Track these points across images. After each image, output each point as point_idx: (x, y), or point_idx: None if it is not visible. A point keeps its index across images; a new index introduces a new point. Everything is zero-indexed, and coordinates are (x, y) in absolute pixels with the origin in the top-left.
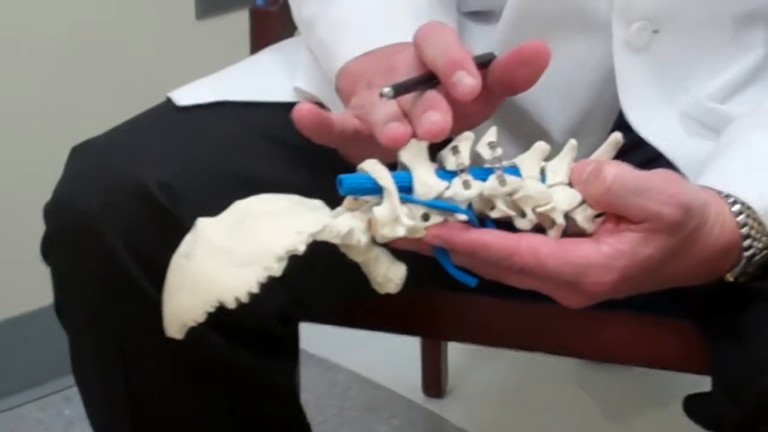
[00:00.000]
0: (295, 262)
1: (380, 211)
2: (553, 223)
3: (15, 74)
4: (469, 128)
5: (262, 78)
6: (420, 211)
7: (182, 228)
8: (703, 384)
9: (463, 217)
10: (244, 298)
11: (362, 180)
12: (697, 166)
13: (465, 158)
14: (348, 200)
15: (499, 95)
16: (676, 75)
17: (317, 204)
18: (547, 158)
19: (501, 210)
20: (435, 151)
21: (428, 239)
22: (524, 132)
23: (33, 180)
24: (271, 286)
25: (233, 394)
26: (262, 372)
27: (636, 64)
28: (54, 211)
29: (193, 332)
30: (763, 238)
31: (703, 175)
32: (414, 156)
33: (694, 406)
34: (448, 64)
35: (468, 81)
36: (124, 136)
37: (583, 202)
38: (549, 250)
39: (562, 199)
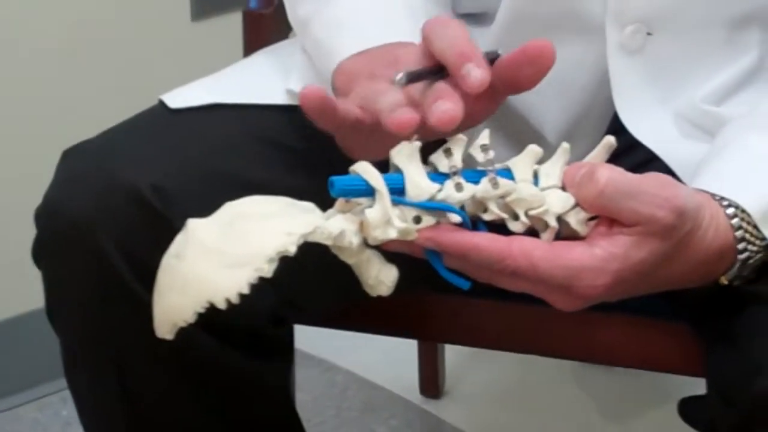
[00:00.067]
0: (287, 263)
1: (372, 213)
2: (546, 226)
3: (7, 75)
4: (472, 125)
5: (255, 80)
6: (412, 213)
7: (175, 231)
8: (701, 384)
9: (455, 218)
10: (235, 299)
11: (354, 182)
12: (691, 168)
13: (457, 161)
14: (340, 202)
15: (502, 93)
16: (671, 77)
17: (309, 206)
18: (540, 161)
19: (493, 213)
20: (427, 153)
21: (420, 241)
22: (519, 134)
23: (30, 181)
24: (261, 287)
25: (226, 396)
26: (254, 373)
27: (630, 66)
28: (45, 215)
29: (185, 334)
30: (758, 242)
31: (698, 178)
32: (406, 158)
33: (688, 409)
34: (457, 55)
35: (477, 73)
36: (116, 139)
37: (576, 205)
38: (541, 253)
39: (555, 202)
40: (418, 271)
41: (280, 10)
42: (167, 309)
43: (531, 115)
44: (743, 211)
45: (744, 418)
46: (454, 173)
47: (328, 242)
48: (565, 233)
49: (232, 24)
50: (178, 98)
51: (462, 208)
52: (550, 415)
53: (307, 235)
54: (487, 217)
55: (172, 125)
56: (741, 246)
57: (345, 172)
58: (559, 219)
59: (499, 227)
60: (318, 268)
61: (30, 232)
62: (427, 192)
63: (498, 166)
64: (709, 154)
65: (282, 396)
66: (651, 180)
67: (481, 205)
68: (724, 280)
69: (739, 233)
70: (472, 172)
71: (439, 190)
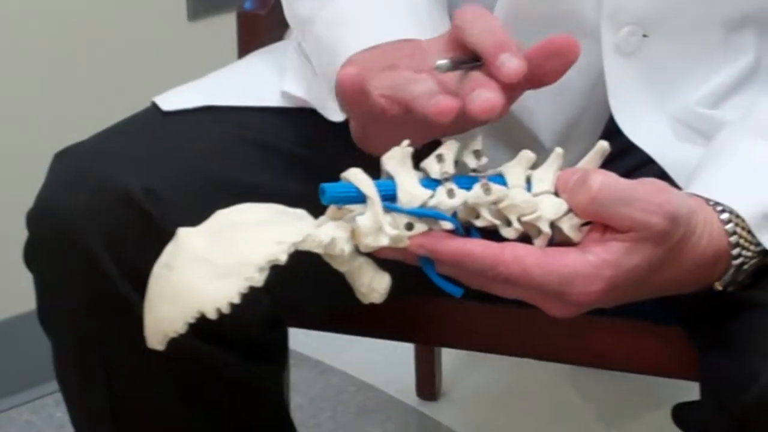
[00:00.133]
0: (281, 269)
1: (363, 221)
2: (539, 232)
3: (0, 75)
4: (479, 124)
5: (249, 82)
6: (404, 220)
7: (167, 234)
8: (697, 388)
9: (448, 225)
10: (226, 309)
11: (345, 189)
12: (687, 171)
13: (449, 167)
14: (332, 209)
15: (521, 88)
16: (666, 79)
17: (300, 213)
18: (533, 166)
19: (486, 219)
20: (419, 159)
21: (412, 248)
22: (514, 137)
23: (24, 182)
24: (256, 294)
25: (218, 400)
26: (246, 377)
27: (626, 68)
28: (36, 218)
29: (177, 339)
30: (752, 247)
31: (693, 183)
32: (398, 164)
33: (682, 414)
34: (493, 45)
35: (514, 63)
36: (108, 141)
37: (569, 210)
38: (534, 259)
39: (548, 208)
40: (411, 277)
41: (275, 11)
42: (158, 320)
43: (527, 118)
44: (737, 216)
45: (738, 424)
46: (446, 179)
47: (318, 250)
48: (558, 239)
49: (229, 24)
50: (171, 100)
51: (454, 214)
52: (546, 418)
53: (297, 243)
54: (479, 223)
55: (165, 128)
56: (735, 251)
57: (341, 174)
58: (552, 225)
59: (491, 233)
60: (312, 273)
61: (23, 233)
62: (418, 198)
63: (490, 171)
64: (704, 158)
65: (275, 400)
66: (644, 186)
67: (474, 211)
68: (718, 286)
69: (733, 239)
70: (464, 178)
71: (431, 197)
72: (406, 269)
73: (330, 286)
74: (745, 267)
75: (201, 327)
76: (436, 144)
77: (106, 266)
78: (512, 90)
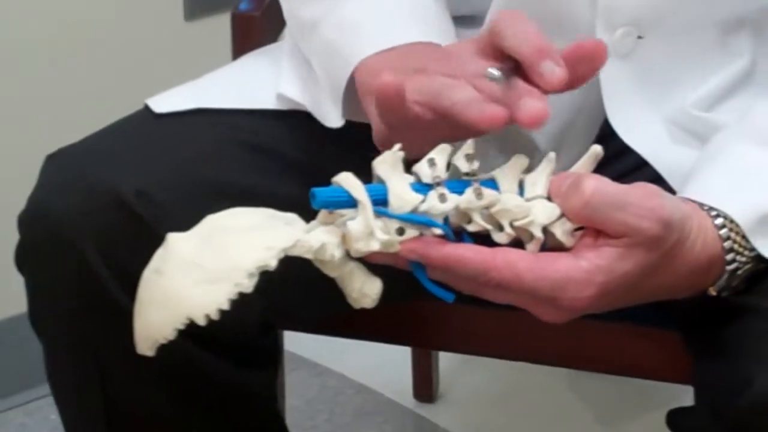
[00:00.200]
0: (273, 274)
1: (354, 226)
2: (531, 237)
3: None
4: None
5: (243, 84)
6: (395, 225)
7: (159, 237)
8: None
9: (439, 230)
10: (215, 315)
11: (336, 193)
12: (681, 174)
13: (441, 171)
14: (323, 214)
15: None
16: (662, 82)
17: (291, 217)
18: (526, 171)
19: (478, 224)
20: (410, 163)
21: (403, 253)
22: (509, 140)
23: (15, 184)
24: (250, 298)
25: (211, 405)
26: (239, 382)
27: (620, 70)
28: (28, 220)
29: (171, 343)
30: (747, 252)
31: (687, 187)
32: (389, 168)
33: (677, 420)
34: (535, 52)
35: (557, 71)
36: (100, 143)
37: (562, 215)
38: (526, 264)
39: (541, 213)
40: (403, 282)
41: (270, 13)
42: (147, 325)
43: None
44: (732, 221)
45: (732, 429)
46: (438, 184)
47: (308, 256)
48: (550, 244)
49: (226, 24)
50: (164, 103)
51: (446, 219)
52: (544, 420)
53: (287, 249)
54: (471, 228)
55: (158, 130)
56: (729, 257)
57: (332, 178)
58: (545, 230)
59: (484, 238)
60: (304, 278)
61: (15, 236)
62: (410, 203)
63: (482, 176)
64: (698, 162)
65: (268, 405)
66: (637, 190)
67: (466, 216)
68: (712, 291)
69: (727, 244)
70: (456, 182)
71: (423, 201)
72: (397, 274)
73: (322, 292)
74: (739, 272)
75: (194, 332)
76: None
77: (98, 269)
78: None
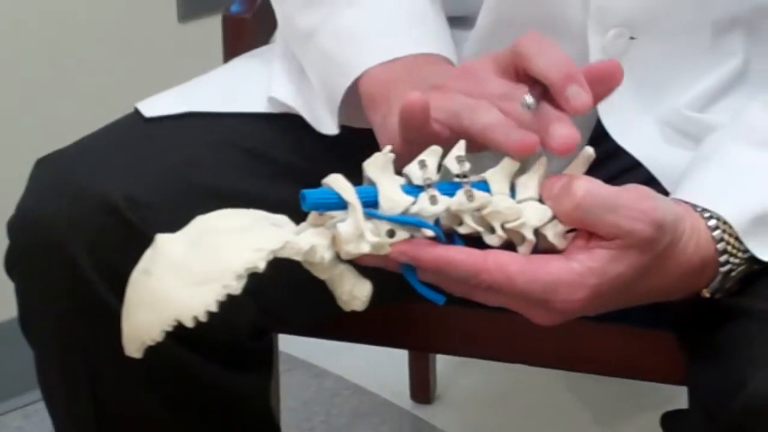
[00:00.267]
0: (264, 276)
1: (344, 228)
2: (522, 239)
3: None
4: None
5: (233, 87)
6: (385, 226)
7: (148, 241)
8: None
9: (429, 232)
10: (203, 317)
11: (326, 195)
12: (675, 175)
13: (432, 173)
14: (313, 215)
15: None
16: (654, 83)
17: (281, 219)
18: (518, 173)
19: (469, 226)
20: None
21: (394, 255)
22: None
23: (3, 189)
24: (239, 300)
25: (201, 408)
26: (230, 386)
27: None
28: (17, 225)
29: (161, 346)
30: (740, 254)
31: (680, 188)
32: (379, 170)
33: (671, 422)
34: (563, 77)
35: (584, 95)
36: (89, 148)
37: (554, 217)
38: (518, 267)
39: (532, 215)
40: (393, 284)
41: (261, 15)
42: (135, 327)
43: None
44: (725, 222)
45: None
46: (429, 185)
47: (298, 258)
48: (542, 246)
49: (220, 26)
50: (154, 106)
51: (437, 221)
52: (541, 420)
53: (276, 250)
54: (462, 230)
55: (147, 134)
56: (723, 258)
57: (322, 180)
58: (537, 232)
59: (475, 240)
60: (294, 281)
61: (4, 241)
62: (400, 205)
63: (474, 178)
64: (692, 164)
65: (260, 408)
66: (629, 192)
67: (457, 218)
68: (706, 293)
69: (720, 245)
70: (447, 184)
71: (413, 203)
72: (388, 276)
73: (312, 294)
74: (733, 274)
75: (182, 333)
76: None
77: (87, 274)
78: None
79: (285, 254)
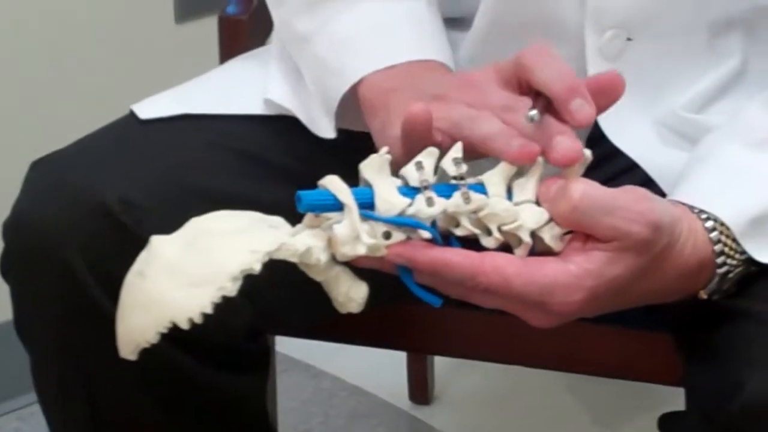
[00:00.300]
0: (260, 278)
1: (340, 229)
2: (519, 241)
3: None
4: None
5: (229, 89)
6: (381, 228)
7: (143, 244)
8: None
9: (426, 234)
10: (198, 319)
11: (322, 196)
12: (672, 176)
13: (429, 174)
14: (309, 217)
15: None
16: (651, 84)
17: (277, 221)
18: (515, 175)
19: (466, 228)
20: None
21: (390, 257)
22: None
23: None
24: (234, 301)
25: (197, 410)
26: (226, 388)
27: None
28: (12, 228)
29: (156, 348)
30: (737, 255)
31: (677, 190)
32: (376, 171)
33: (669, 424)
34: (566, 90)
35: (587, 108)
36: (84, 150)
37: (551, 220)
38: (515, 269)
39: (529, 217)
40: (390, 286)
41: (257, 16)
42: (130, 329)
43: None
44: (722, 224)
45: None
46: (425, 187)
47: (294, 259)
48: (539, 249)
49: (216, 27)
50: (149, 108)
51: (433, 223)
52: (539, 421)
53: (272, 252)
54: (459, 232)
55: (142, 136)
56: (720, 260)
57: (318, 181)
58: (533, 234)
59: (472, 242)
60: (290, 283)
61: None
62: (397, 207)
63: (471, 180)
64: (689, 165)
65: (256, 410)
66: (626, 194)
67: (453, 220)
68: (703, 295)
69: (718, 247)
70: (443, 186)
71: (410, 205)
72: (384, 278)
73: (308, 296)
74: (730, 276)
75: (180, 336)
76: None
77: (82, 277)
78: None
79: (281, 256)
